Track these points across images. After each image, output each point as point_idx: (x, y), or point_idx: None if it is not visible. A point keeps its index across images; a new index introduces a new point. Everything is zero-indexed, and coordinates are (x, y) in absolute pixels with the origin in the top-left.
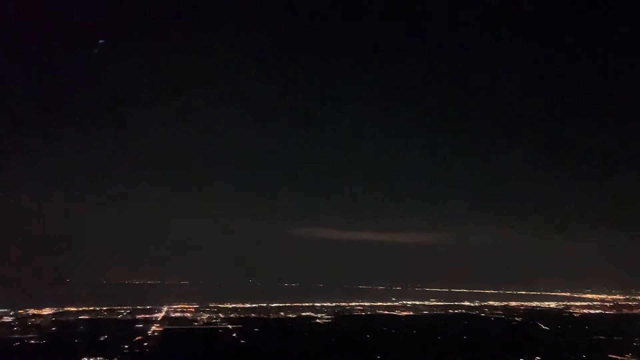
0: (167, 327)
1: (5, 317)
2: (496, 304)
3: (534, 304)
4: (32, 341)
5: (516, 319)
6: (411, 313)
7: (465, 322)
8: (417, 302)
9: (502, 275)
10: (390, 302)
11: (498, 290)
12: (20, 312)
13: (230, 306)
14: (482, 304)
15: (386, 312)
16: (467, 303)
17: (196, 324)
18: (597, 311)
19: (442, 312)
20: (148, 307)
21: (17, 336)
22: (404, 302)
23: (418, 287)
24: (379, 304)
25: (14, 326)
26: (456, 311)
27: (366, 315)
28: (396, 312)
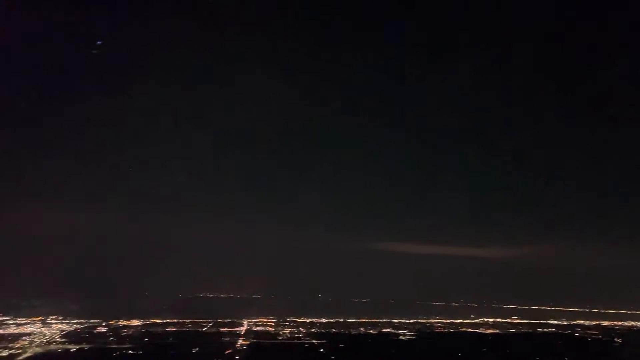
0: (253, 340)
1: (99, 328)
2: (587, 323)
3: (629, 323)
4: (130, 351)
5: (616, 339)
6: (497, 331)
7: (560, 342)
8: (499, 320)
9: (585, 292)
10: (470, 319)
11: (583, 308)
12: (111, 323)
13: (308, 321)
14: (571, 322)
15: (470, 330)
16: (553, 321)
17: (280, 338)
18: None
19: (530, 330)
20: (228, 320)
21: (114, 346)
22: (485, 320)
23: (495, 304)
24: (458, 321)
25: (109, 336)
26: (545, 330)
27: (449, 332)
28: (480, 330)
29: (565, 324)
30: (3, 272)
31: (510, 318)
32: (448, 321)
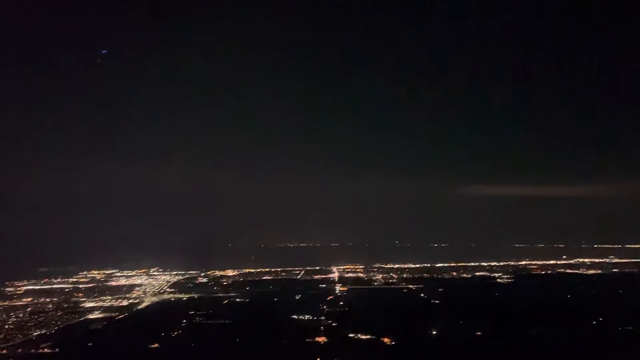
0: (350, 287)
1: (200, 278)
2: None
3: None
4: (237, 299)
5: None
6: (599, 271)
7: None
8: (596, 260)
9: None
10: (563, 260)
11: None
12: (209, 274)
13: (395, 266)
14: None
15: (568, 271)
16: None
17: (375, 283)
18: None
19: (635, 270)
20: (317, 267)
21: (221, 294)
22: (580, 260)
23: (584, 244)
24: (552, 262)
25: (212, 285)
26: None
27: (547, 274)
28: (581, 271)
29: None
30: (108, 230)
31: (607, 258)
32: (541, 263)
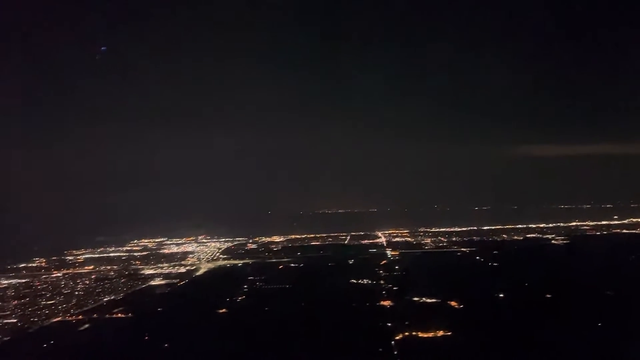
0: (401, 251)
1: (249, 245)
2: None
3: None
4: (292, 264)
5: None
6: None
7: None
8: None
9: None
10: (615, 220)
11: None
12: (256, 240)
13: (441, 230)
14: None
15: (625, 231)
16: None
17: (426, 247)
18: None
19: None
20: (361, 233)
21: (274, 260)
22: (635, 220)
23: (633, 204)
24: (604, 223)
25: (263, 251)
26: None
27: (603, 235)
28: (638, 231)
29: None
30: (156, 200)
31: None
32: (593, 223)
